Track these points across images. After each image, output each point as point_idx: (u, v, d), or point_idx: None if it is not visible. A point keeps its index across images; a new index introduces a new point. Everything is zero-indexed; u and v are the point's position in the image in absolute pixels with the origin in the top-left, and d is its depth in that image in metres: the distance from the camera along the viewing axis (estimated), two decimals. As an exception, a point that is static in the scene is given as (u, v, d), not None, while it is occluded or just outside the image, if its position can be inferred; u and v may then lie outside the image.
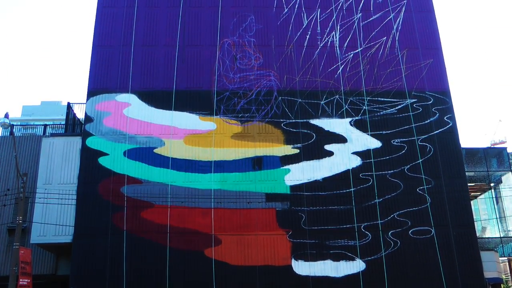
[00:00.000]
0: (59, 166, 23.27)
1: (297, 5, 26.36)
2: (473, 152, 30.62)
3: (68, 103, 26.62)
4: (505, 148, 32.34)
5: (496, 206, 31.68)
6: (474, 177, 30.44)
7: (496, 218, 30.94)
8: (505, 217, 30.86)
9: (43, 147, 23.58)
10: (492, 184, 31.35)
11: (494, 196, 31.83)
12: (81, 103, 26.12)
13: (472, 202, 26.69)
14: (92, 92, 24.19)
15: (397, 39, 26.13)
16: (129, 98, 24.17)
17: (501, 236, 30.51)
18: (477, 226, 28.32)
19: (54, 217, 22.28)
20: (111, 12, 25.77)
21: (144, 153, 23.30)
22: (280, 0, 26.42)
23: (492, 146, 47.47)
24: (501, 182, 31.41)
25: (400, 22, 26.56)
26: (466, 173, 24.59)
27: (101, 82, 24.41)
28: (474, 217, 24.88)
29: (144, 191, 22.66)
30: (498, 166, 30.88)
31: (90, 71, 24.53)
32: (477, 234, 24.15)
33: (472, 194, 30.73)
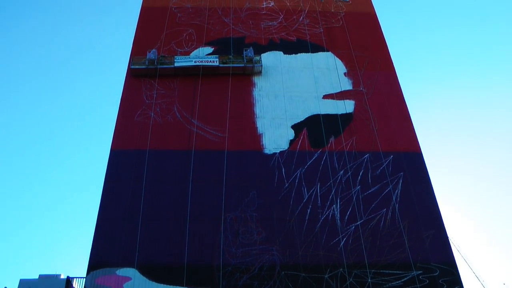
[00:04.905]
0: None
1: (297, 180, 27.21)
2: (486, 324, 29.10)
3: (68, 277, 26.07)
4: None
5: None
6: None
7: None
8: None
9: (36, 326, 22.67)
10: None
11: None
12: (80, 277, 25.59)
13: None
14: (93, 266, 23.85)
15: (397, 210, 26.40)
16: (130, 273, 23.75)
17: None
18: None
19: None
20: (118, 187, 26.50)
21: (142, 329, 22.29)
22: (281, 175, 27.37)
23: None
24: None
25: (399, 194, 27.09)
26: None
27: (103, 257, 24.18)
28: None
29: None
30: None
31: (92, 245, 24.43)
32: None
33: None
